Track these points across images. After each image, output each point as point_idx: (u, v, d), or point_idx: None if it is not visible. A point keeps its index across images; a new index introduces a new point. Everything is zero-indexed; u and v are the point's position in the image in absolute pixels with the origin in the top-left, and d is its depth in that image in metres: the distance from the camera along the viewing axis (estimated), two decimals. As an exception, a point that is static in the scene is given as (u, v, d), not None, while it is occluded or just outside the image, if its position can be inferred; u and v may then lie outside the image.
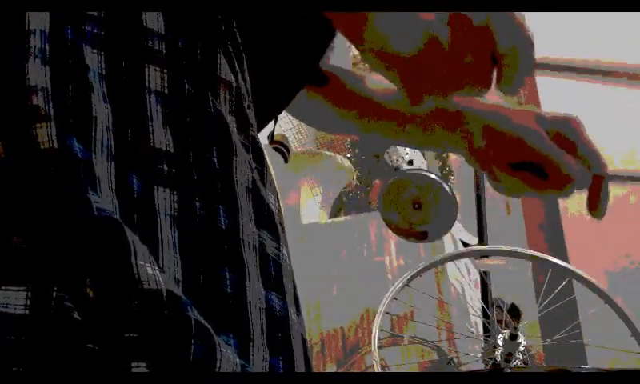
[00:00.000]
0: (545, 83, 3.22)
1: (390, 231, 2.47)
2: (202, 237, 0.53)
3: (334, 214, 3.05)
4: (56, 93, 0.48)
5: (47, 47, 0.48)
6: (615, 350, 1.71)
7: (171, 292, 0.47)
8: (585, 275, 1.93)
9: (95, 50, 0.52)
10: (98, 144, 0.49)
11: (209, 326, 0.48)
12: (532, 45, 0.61)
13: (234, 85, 0.60)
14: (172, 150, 0.53)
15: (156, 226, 0.50)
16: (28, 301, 0.45)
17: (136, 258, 0.46)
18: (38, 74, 0.47)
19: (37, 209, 0.46)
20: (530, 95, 3.31)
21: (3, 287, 0.45)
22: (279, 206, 0.62)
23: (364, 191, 3.26)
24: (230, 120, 0.58)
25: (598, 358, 2.24)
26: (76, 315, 0.45)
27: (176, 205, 0.52)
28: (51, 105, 0.47)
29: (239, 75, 0.62)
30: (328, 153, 3.01)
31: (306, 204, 2.96)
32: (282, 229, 0.61)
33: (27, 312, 0.44)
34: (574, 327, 1.98)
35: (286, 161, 2.83)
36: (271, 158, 3.08)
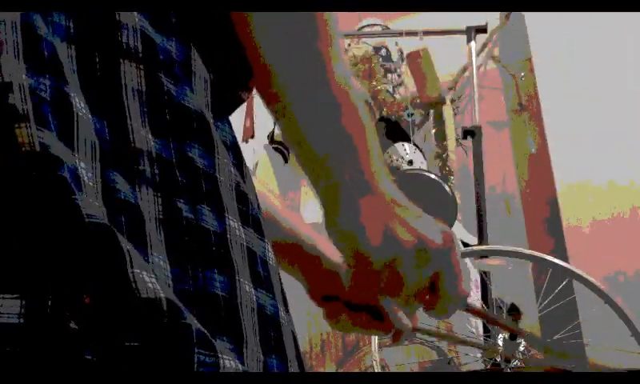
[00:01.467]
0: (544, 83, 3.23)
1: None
2: (189, 239, 0.51)
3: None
4: (33, 89, 0.45)
5: (20, 40, 0.46)
6: (615, 350, 1.71)
7: (170, 301, 0.45)
8: (585, 275, 1.93)
9: (65, 43, 0.49)
10: (82, 144, 0.47)
11: (209, 334, 0.47)
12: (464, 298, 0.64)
13: (209, 80, 0.59)
14: (153, 151, 0.51)
15: (143, 228, 0.49)
16: (22, 309, 0.43)
17: (132, 267, 0.44)
18: (13, 70, 0.45)
19: (24, 215, 0.44)
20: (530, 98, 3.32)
21: None
22: (257, 200, 0.61)
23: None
24: (209, 116, 0.57)
25: (598, 358, 2.24)
26: (73, 325, 0.43)
27: (160, 207, 0.51)
28: (29, 103, 0.44)
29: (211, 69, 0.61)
30: (328, 153, 3.00)
31: (306, 204, 2.96)
32: (262, 223, 0.60)
33: (21, 321, 0.43)
34: (573, 327, 1.97)
35: (285, 161, 2.82)
36: (271, 158, 3.08)
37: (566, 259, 2.66)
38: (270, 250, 0.60)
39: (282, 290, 0.61)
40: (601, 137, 2.97)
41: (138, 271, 0.44)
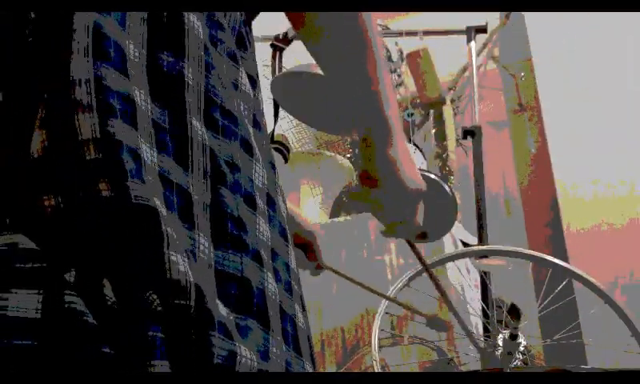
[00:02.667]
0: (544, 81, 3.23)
1: (390, 231, 2.46)
2: (230, 226, 0.55)
3: (334, 214, 3.05)
4: (99, 81, 0.49)
5: (90, 42, 0.50)
6: (615, 350, 1.71)
7: (198, 287, 0.48)
8: (585, 275, 1.93)
9: (139, 45, 0.54)
10: (141, 129, 0.51)
11: (228, 324, 0.50)
12: None
13: (251, 96, 0.64)
14: (206, 142, 0.56)
15: (191, 210, 0.52)
16: (40, 304, 0.44)
17: (168, 248, 0.47)
18: (81, 68, 0.48)
19: (68, 199, 0.47)
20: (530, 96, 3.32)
21: (15, 290, 0.44)
22: (286, 209, 0.66)
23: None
24: (250, 127, 0.63)
25: (598, 358, 2.24)
26: (90, 319, 0.44)
27: (209, 194, 0.55)
28: (93, 95, 0.48)
29: (257, 87, 0.67)
30: (328, 153, 3.01)
31: (306, 204, 2.97)
32: (288, 231, 0.65)
33: (39, 316, 0.44)
34: (573, 327, 1.98)
35: (286, 161, 2.82)
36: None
37: (565, 259, 2.66)
38: (293, 255, 0.65)
39: (301, 293, 0.65)
40: (601, 137, 2.97)
41: (174, 254, 0.47)
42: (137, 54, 0.54)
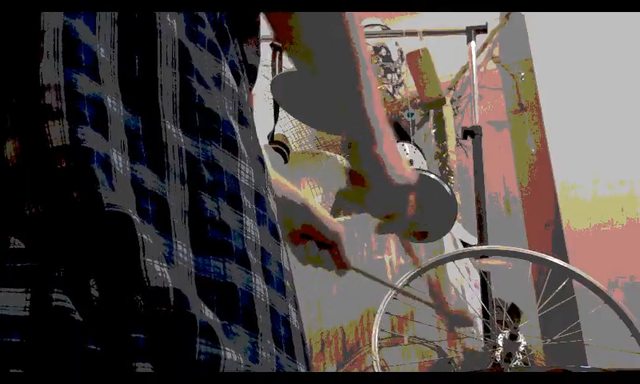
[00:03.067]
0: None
1: (390, 231, 2.46)
2: (211, 231, 0.54)
3: (333, 214, 3.05)
4: (69, 87, 0.48)
5: (60, 45, 0.49)
6: (615, 350, 1.71)
7: (178, 291, 0.47)
8: (585, 275, 1.93)
9: (109, 47, 0.53)
10: (113, 136, 0.50)
11: (214, 326, 0.49)
12: None
13: (236, 91, 0.62)
14: (182, 147, 0.54)
15: (168, 218, 0.51)
16: (28, 302, 0.44)
17: (144, 255, 0.46)
18: (51, 72, 0.48)
19: (47, 206, 0.46)
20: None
21: (3, 289, 0.44)
22: (275, 206, 0.64)
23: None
24: (234, 123, 0.60)
25: (598, 358, 2.24)
26: (77, 316, 0.44)
27: (187, 200, 0.53)
28: (64, 101, 0.47)
29: (242, 80, 0.65)
30: (328, 153, 3.00)
31: (305, 204, 2.96)
32: (279, 228, 0.63)
33: (27, 314, 0.44)
34: (573, 327, 1.98)
35: (285, 161, 2.82)
36: (271, 157, 3.08)
37: (565, 259, 2.66)
38: (285, 252, 0.63)
39: (294, 292, 0.63)
40: (601, 137, 2.97)
41: (150, 260, 0.46)
42: (107, 57, 0.53)
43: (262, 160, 0.65)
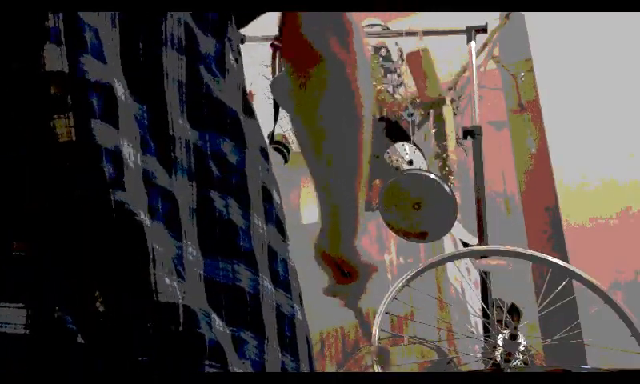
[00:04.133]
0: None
1: (390, 231, 2.47)
2: (219, 231, 0.52)
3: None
4: (75, 75, 0.45)
5: (62, 27, 0.45)
6: (615, 350, 1.71)
7: (187, 307, 0.45)
8: (585, 275, 1.93)
9: (110, 27, 0.49)
10: (123, 126, 0.47)
11: (222, 342, 0.47)
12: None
13: (239, 78, 0.60)
14: (190, 140, 0.52)
15: (177, 216, 0.49)
16: (28, 320, 0.42)
17: (154, 268, 0.44)
18: (54, 58, 0.44)
19: (51, 209, 0.44)
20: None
21: (1, 304, 0.42)
22: (280, 200, 0.63)
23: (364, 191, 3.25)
24: (241, 115, 0.58)
25: (597, 358, 2.24)
26: (79, 339, 0.43)
27: (195, 197, 0.51)
28: (70, 90, 0.44)
29: (240, 66, 0.63)
30: (328, 153, 3.00)
31: (306, 204, 2.96)
32: (284, 224, 0.62)
33: (27, 332, 0.42)
34: (573, 327, 1.97)
35: (285, 161, 2.82)
36: (271, 158, 3.07)
37: (565, 259, 2.66)
38: (290, 250, 0.61)
39: (299, 290, 0.62)
40: (601, 137, 2.96)
41: (161, 273, 0.44)
42: (109, 37, 0.49)
43: (266, 152, 0.63)
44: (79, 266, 0.44)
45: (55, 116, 0.43)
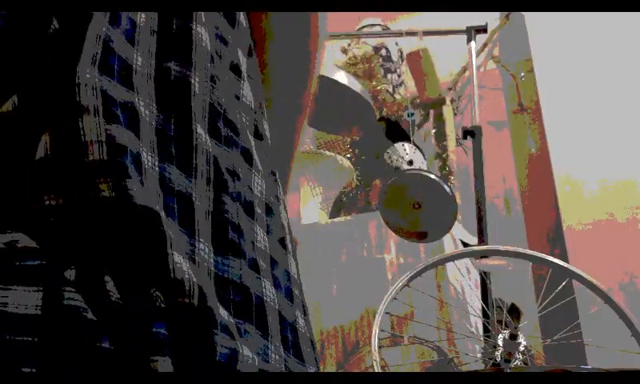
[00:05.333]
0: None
1: (389, 231, 2.47)
2: (231, 234, 0.55)
3: (334, 214, 3.05)
4: (104, 91, 0.49)
5: (99, 52, 0.50)
6: (615, 350, 1.71)
7: (200, 288, 0.48)
8: (585, 275, 1.93)
9: (147, 56, 0.55)
10: (144, 136, 0.51)
11: (229, 324, 0.50)
12: None
13: (252, 107, 0.65)
14: (210, 150, 0.56)
15: (192, 216, 0.52)
16: (40, 301, 0.44)
17: (172, 248, 0.47)
18: (87, 73, 0.49)
19: (69, 198, 0.47)
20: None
21: (14, 287, 0.45)
22: (287, 216, 0.67)
23: (364, 191, 3.26)
24: (251, 137, 0.63)
25: (597, 358, 2.24)
26: (90, 315, 0.45)
27: (212, 202, 0.55)
28: (100, 99, 0.48)
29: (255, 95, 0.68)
30: (328, 153, 3.01)
31: (306, 204, 2.97)
32: (291, 240, 0.65)
33: (39, 312, 0.44)
34: (573, 327, 1.98)
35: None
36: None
37: (565, 259, 2.66)
38: (294, 262, 0.65)
39: (303, 300, 0.65)
40: (601, 136, 2.97)
41: (177, 254, 0.47)
42: (144, 63, 0.55)
43: (275, 175, 0.67)
44: (93, 251, 0.47)
45: (85, 116, 0.48)
